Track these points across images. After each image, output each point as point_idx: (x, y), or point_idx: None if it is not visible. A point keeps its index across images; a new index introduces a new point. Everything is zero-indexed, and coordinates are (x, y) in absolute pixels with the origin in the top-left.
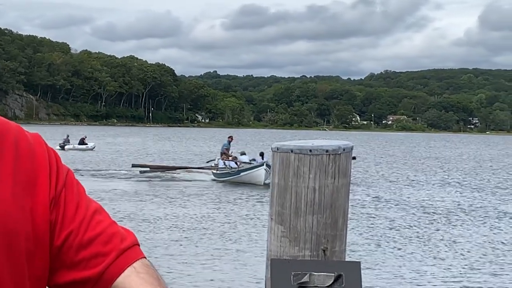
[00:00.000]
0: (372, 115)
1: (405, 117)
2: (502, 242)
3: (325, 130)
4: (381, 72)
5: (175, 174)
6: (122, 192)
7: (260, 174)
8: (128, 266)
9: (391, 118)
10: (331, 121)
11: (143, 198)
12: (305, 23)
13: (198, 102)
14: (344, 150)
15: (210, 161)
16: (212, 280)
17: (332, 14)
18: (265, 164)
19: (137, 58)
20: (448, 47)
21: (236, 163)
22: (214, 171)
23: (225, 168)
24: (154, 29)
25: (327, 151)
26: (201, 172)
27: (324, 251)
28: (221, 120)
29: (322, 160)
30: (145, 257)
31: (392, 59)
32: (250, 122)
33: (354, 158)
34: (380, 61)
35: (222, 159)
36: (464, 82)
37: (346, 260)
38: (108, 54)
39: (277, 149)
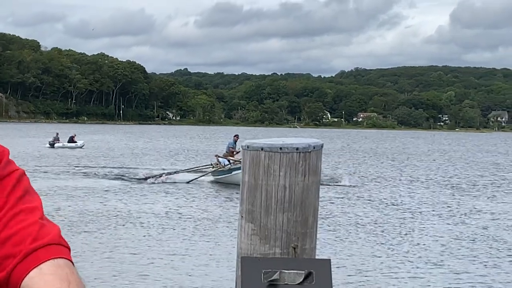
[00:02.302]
0: (343, 112)
1: (376, 114)
2: (469, 237)
3: (296, 127)
4: (352, 70)
5: (176, 176)
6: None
7: None
8: (34, 267)
9: (361, 115)
10: (302, 118)
11: (120, 196)
12: (278, 20)
13: (168, 99)
14: (314, 148)
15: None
16: (184, 278)
17: (305, 12)
18: None
19: (107, 56)
20: (420, 45)
21: (229, 161)
22: (213, 170)
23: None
24: (128, 26)
25: (297, 149)
26: (202, 172)
27: (294, 249)
28: (192, 118)
29: (292, 158)
30: (63, 257)
31: (364, 57)
32: (221, 120)
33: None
34: (352, 59)
35: (227, 158)
36: (434, 80)
37: (316, 257)
38: (79, 51)
39: (248, 147)
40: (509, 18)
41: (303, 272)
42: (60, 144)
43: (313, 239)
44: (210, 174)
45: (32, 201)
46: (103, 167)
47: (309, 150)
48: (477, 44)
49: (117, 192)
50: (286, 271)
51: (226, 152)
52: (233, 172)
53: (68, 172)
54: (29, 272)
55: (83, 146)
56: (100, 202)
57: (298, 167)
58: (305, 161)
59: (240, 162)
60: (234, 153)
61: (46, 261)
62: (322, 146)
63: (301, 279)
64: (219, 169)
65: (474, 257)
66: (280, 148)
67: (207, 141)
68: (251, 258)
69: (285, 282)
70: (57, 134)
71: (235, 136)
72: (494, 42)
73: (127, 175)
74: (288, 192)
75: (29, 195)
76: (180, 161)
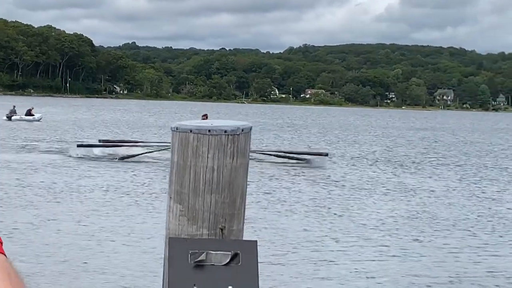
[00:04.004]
0: (291, 88)
1: (323, 91)
2: (407, 214)
3: (244, 103)
4: (300, 46)
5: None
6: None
7: None
8: None
9: (309, 91)
10: (250, 94)
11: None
12: None
13: (116, 73)
14: (243, 130)
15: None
16: (111, 259)
17: None
18: None
19: (54, 28)
20: (369, 23)
21: None
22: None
23: None
24: None
25: (225, 131)
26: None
27: (221, 230)
28: (139, 92)
29: (221, 140)
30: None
31: (313, 34)
32: (169, 94)
33: (326, 155)
34: (301, 35)
35: None
36: (382, 58)
37: (243, 239)
38: (25, 23)
39: (177, 129)
40: None
41: (230, 253)
42: (17, 117)
43: (240, 221)
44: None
45: None
46: (55, 140)
47: (238, 133)
48: (426, 23)
49: (59, 166)
50: (212, 252)
51: None
52: None
53: (18, 145)
54: None
55: (40, 119)
56: (42, 176)
57: (226, 149)
58: (233, 144)
59: None
60: None
61: None
62: (251, 128)
63: (227, 260)
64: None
65: (412, 234)
66: (209, 130)
67: (156, 116)
68: (178, 238)
69: (212, 263)
70: (14, 107)
71: (203, 116)
72: (442, 22)
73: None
74: (216, 174)
75: None
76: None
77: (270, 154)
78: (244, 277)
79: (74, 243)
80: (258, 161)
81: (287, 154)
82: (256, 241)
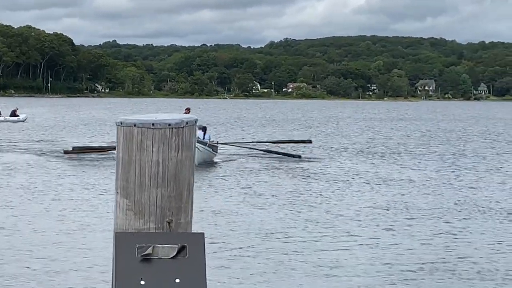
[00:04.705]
0: (273, 83)
1: (305, 84)
2: (384, 205)
3: (226, 98)
4: (281, 40)
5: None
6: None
7: None
8: None
9: (291, 85)
10: (232, 89)
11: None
12: None
13: (97, 72)
14: (187, 123)
15: None
16: (64, 252)
17: None
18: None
19: (34, 28)
20: (350, 15)
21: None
22: None
23: None
24: None
25: (169, 124)
26: None
27: (169, 223)
28: (121, 90)
29: (165, 133)
30: None
31: (294, 28)
32: (151, 92)
33: (310, 141)
34: (283, 30)
35: None
36: (363, 50)
37: (191, 232)
38: (5, 24)
39: (121, 124)
40: None
41: (177, 246)
42: (1, 118)
43: (188, 213)
44: None
45: None
46: (37, 141)
47: (182, 126)
48: (406, 13)
49: (36, 166)
50: (159, 245)
51: None
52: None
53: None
54: None
55: (25, 120)
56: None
57: (171, 143)
58: (178, 137)
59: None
60: None
61: None
62: (196, 121)
63: (174, 253)
64: None
65: (386, 223)
66: (153, 124)
67: (140, 113)
68: (125, 233)
69: (159, 256)
70: None
71: (186, 109)
72: (422, 12)
73: (54, 149)
74: (161, 168)
75: None
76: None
77: (255, 148)
78: (191, 269)
79: (20, 245)
80: (239, 155)
81: (272, 149)
82: (203, 233)
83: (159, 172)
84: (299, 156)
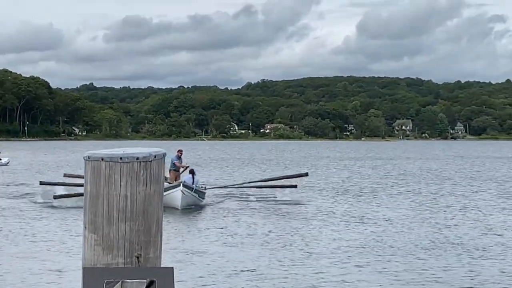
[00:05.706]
0: (250, 124)
1: (283, 125)
2: (361, 244)
3: (204, 140)
4: (258, 81)
5: None
6: None
7: (175, 197)
8: None
9: (268, 126)
10: (210, 131)
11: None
12: (187, 33)
13: (74, 114)
14: (155, 157)
15: None
16: None
17: (214, 24)
18: (181, 185)
19: (11, 72)
20: (327, 56)
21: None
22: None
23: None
24: (35, 41)
25: (137, 158)
26: None
27: (137, 258)
28: (98, 133)
29: (133, 167)
30: None
31: (272, 68)
32: (128, 134)
33: (306, 174)
34: (260, 71)
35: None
36: (340, 90)
37: (160, 266)
38: None
39: (89, 158)
40: (413, 29)
41: (145, 281)
42: None
43: (157, 248)
44: None
45: None
46: (19, 184)
47: (150, 159)
48: (383, 54)
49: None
50: (128, 280)
51: (172, 168)
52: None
53: None
54: None
55: (8, 163)
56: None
57: (139, 176)
58: (146, 170)
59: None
60: (182, 168)
61: None
62: (164, 155)
63: None
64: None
65: (362, 261)
66: (121, 158)
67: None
68: (93, 268)
69: None
70: None
71: (178, 151)
72: (399, 52)
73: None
74: (129, 202)
75: None
76: None
77: (247, 187)
78: None
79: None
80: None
81: (267, 184)
82: (172, 267)
83: (127, 206)
84: (295, 186)
